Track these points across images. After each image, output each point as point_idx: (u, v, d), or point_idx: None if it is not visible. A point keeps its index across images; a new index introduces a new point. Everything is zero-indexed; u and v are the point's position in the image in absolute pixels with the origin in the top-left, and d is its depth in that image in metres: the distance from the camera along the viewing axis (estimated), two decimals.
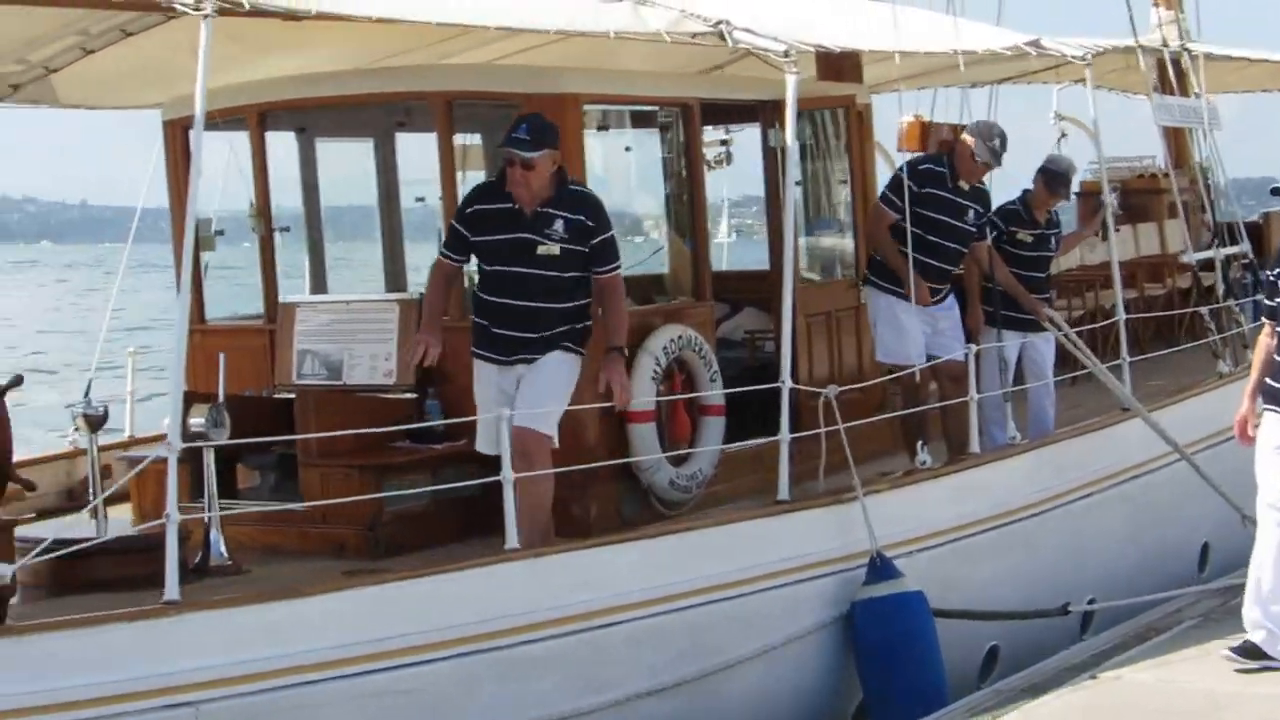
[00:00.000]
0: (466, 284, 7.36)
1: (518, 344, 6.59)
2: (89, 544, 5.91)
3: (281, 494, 7.29)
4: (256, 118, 8.00)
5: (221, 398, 6.68)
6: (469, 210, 6.71)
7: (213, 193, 8.02)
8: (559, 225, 6.50)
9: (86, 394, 7.19)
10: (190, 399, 6.45)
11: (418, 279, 8.25)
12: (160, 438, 7.99)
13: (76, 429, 7.02)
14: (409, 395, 7.46)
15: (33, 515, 6.84)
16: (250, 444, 6.95)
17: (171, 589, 5.45)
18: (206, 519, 6.53)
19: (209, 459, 6.52)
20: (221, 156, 8.04)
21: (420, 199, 8.83)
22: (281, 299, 8.09)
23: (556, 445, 6.60)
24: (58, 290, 52.56)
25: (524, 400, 6.52)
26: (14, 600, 5.64)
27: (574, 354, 6.66)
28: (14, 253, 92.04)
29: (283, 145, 8.49)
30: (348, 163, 9.29)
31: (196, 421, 6.35)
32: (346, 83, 8.09)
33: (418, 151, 8.58)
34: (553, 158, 6.45)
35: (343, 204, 9.44)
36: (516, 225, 6.49)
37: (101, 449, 6.98)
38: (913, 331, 8.33)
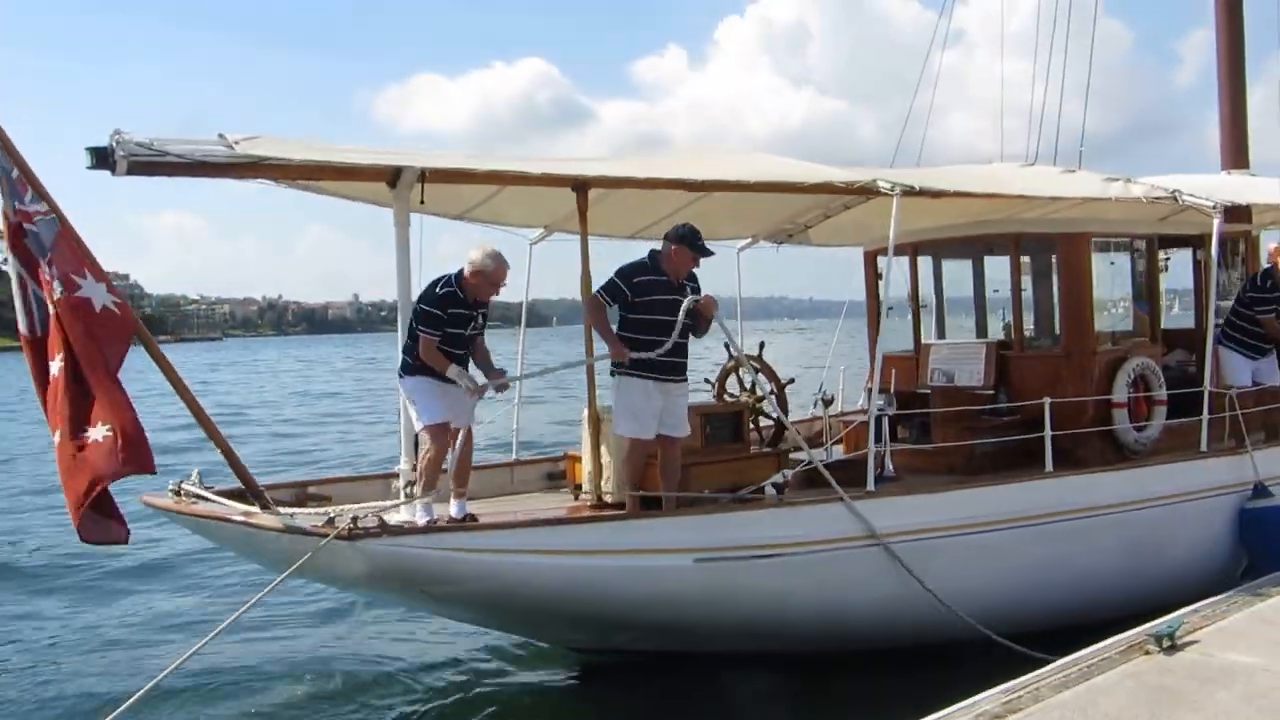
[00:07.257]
0: None
1: None
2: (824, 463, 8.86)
3: (922, 440, 10.67)
4: (911, 250, 11.53)
5: (892, 390, 10.75)
6: None
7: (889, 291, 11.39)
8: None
9: (820, 389, 11.52)
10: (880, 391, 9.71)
11: (994, 331, 11.69)
12: (859, 412, 12.09)
13: (815, 404, 11.50)
14: (989, 391, 10.82)
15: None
16: (906, 414, 10.75)
17: (870, 484, 8.67)
18: (884, 452, 9.86)
19: (884, 422, 10.11)
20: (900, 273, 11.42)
21: (995, 290, 12.03)
22: (923, 340, 11.77)
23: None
24: None
25: None
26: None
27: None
28: None
29: (925, 265, 12.02)
30: (958, 271, 12.42)
31: (879, 403, 9.37)
32: (960, 229, 11.32)
33: (997, 267, 11.79)
34: None
35: (955, 295, 12.54)
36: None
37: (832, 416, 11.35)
38: None
